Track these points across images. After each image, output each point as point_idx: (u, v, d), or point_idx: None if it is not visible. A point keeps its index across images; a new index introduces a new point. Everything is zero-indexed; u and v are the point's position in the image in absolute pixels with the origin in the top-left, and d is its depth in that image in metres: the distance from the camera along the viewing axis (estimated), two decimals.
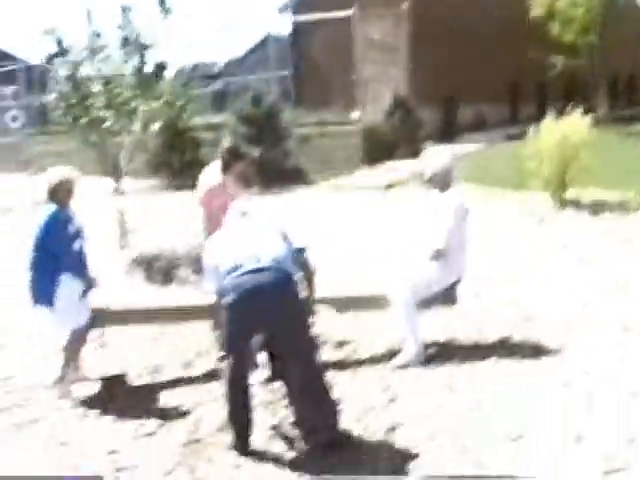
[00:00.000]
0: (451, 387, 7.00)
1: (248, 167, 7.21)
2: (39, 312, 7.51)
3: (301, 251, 6.42)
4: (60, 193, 7.34)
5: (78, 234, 7.50)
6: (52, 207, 7.29)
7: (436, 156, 8.16)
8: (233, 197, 6.76)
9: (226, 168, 7.28)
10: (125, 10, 12.50)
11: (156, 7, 12.45)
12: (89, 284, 7.48)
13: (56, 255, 7.17)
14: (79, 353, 7.63)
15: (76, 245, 7.42)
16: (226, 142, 7.79)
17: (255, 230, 6.23)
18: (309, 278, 6.53)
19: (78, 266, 7.37)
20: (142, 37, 12.60)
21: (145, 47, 12.69)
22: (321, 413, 5.99)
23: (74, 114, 12.59)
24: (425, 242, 7.83)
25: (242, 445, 5.99)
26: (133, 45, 12.61)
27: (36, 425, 6.71)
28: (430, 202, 8.01)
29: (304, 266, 6.44)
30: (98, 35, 12.59)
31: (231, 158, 7.30)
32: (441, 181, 7.89)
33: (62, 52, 12.52)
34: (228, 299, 5.89)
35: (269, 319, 5.95)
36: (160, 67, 13.00)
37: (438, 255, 7.68)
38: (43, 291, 7.19)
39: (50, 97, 12.99)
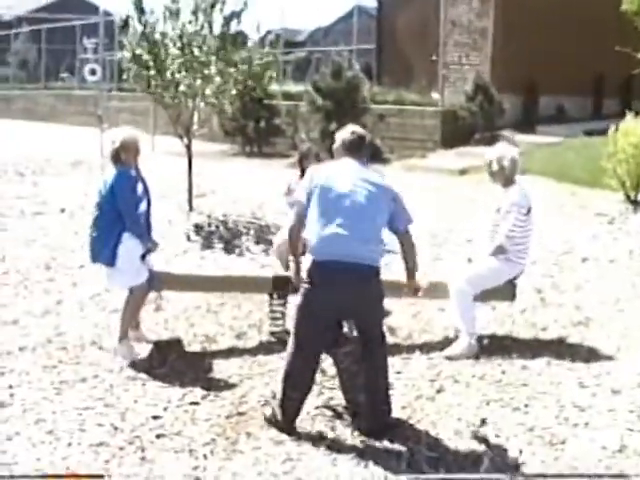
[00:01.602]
0: (500, 383, 6.92)
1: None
2: (97, 270, 7.59)
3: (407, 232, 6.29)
4: (126, 153, 7.32)
5: (145, 196, 7.53)
6: (120, 168, 7.30)
7: (502, 150, 7.99)
8: None
9: (303, 166, 8.57)
10: None
11: None
12: (150, 247, 7.53)
13: (120, 215, 7.19)
14: (138, 314, 7.69)
15: (142, 207, 7.46)
16: (303, 146, 9.44)
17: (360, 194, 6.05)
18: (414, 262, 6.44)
19: (141, 228, 7.38)
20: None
21: (232, 15, 12.67)
22: (373, 400, 5.98)
23: (147, 75, 12.58)
24: (487, 237, 7.84)
25: (288, 422, 5.95)
26: (217, 9, 12.60)
27: (83, 384, 6.75)
28: (495, 198, 7.96)
29: (410, 246, 6.34)
30: None
31: (307, 159, 8.70)
32: (504, 177, 7.82)
33: (141, 11, 12.51)
34: (312, 278, 5.85)
35: (348, 308, 5.91)
36: (242, 33, 12.97)
37: (499, 251, 7.67)
38: (104, 250, 7.22)
39: (124, 56, 12.92)
